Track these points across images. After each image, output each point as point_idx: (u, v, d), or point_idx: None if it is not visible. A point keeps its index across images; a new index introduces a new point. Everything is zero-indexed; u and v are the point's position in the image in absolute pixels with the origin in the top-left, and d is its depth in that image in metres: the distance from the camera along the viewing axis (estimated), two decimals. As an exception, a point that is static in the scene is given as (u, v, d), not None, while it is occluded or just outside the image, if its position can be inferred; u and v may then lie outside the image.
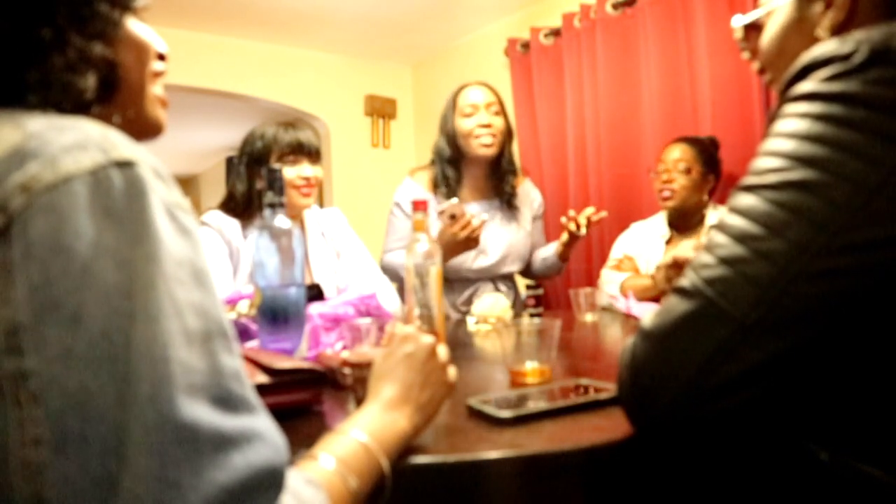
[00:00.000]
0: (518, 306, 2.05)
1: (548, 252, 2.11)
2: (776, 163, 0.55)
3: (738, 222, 0.55)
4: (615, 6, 2.62)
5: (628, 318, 1.70)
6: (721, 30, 2.27)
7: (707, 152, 1.98)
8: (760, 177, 0.55)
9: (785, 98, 0.58)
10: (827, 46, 0.55)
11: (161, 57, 0.61)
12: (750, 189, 0.56)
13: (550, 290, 2.88)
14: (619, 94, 2.62)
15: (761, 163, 0.57)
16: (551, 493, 0.63)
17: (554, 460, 0.63)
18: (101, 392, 0.33)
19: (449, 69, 3.68)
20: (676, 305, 0.57)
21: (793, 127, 0.55)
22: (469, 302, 2.02)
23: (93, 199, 0.34)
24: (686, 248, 1.09)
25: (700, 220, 1.98)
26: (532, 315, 1.89)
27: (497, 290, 2.10)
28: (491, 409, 0.73)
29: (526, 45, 3.06)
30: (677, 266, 1.05)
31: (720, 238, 0.56)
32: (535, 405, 0.75)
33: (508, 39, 3.15)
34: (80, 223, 0.34)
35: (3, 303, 0.32)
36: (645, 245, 2.04)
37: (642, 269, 1.99)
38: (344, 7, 3.10)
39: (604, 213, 1.96)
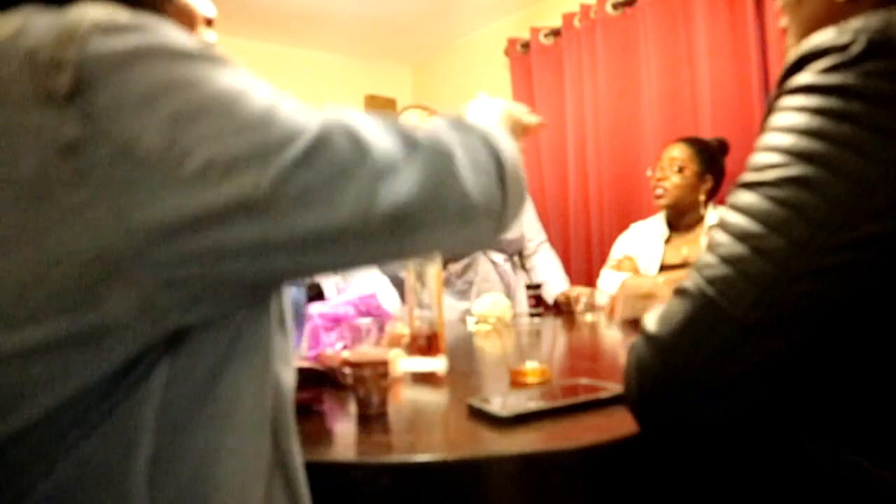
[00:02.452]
0: (513, 285, 2.19)
1: (551, 288, 2.25)
2: (774, 158, 0.54)
3: (738, 220, 0.54)
4: (615, 6, 2.62)
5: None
6: (721, 30, 2.27)
7: (706, 152, 1.98)
8: (759, 173, 0.55)
9: (782, 90, 0.58)
10: (824, 36, 0.54)
11: (209, 22, 0.59)
12: (749, 186, 0.55)
13: (550, 290, 2.88)
14: (619, 94, 2.62)
15: (759, 158, 0.56)
16: (551, 492, 0.63)
17: (554, 460, 0.63)
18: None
19: (449, 69, 3.68)
20: (678, 306, 0.56)
21: (790, 121, 0.54)
22: (464, 272, 2.13)
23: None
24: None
25: (699, 220, 1.98)
26: (532, 315, 1.90)
27: (492, 262, 2.22)
28: (491, 409, 0.73)
29: (526, 45, 3.06)
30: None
31: (721, 237, 0.55)
32: (535, 405, 0.75)
33: (508, 39, 3.15)
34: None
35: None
36: (644, 245, 2.04)
37: (642, 269, 1.99)
38: (344, 7, 3.10)
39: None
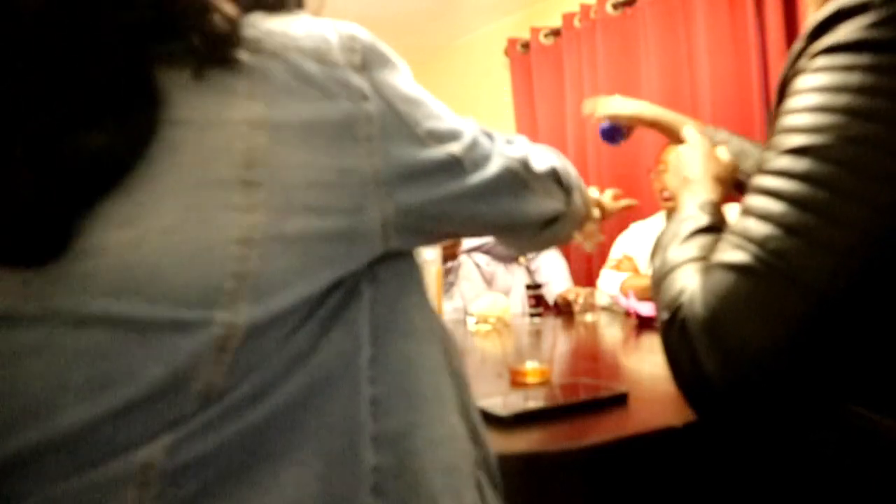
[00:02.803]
0: (499, 286, 2.25)
1: (553, 289, 2.27)
2: (827, 119, 0.50)
3: (798, 188, 0.50)
4: (615, 6, 2.62)
5: (628, 317, 1.70)
6: (721, 30, 2.27)
7: None
8: (810, 136, 0.51)
9: (812, 51, 0.54)
10: None
11: None
12: (801, 152, 0.51)
13: (550, 290, 2.88)
14: (619, 93, 2.62)
15: (802, 120, 0.52)
16: (551, 492, 0.63)
17: (554, 460, 0.63)
18: None
19: (449, 69, 3.68)
20: (737, 283, 0.51)
21: (839, 80, 0.51)
22: (446, 274, 2.20)
23: None
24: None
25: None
26: (532, 315, 1.90)
27: (475, 264, 2.28)
28: (491, 409, 0.73)
29: (526, 45, 3.06)
30: None
31: (775, 205, 0.51)
32: (535, 405, 0.75)
33: (508, 39, 3.15)
34: None
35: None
36: (645, 245, 2.04)
37: (642, 269, 1.99)
38: (344, 7, 3.10)
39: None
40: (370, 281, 0.43)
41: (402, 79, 0.44)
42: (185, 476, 0.33)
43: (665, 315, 0.56)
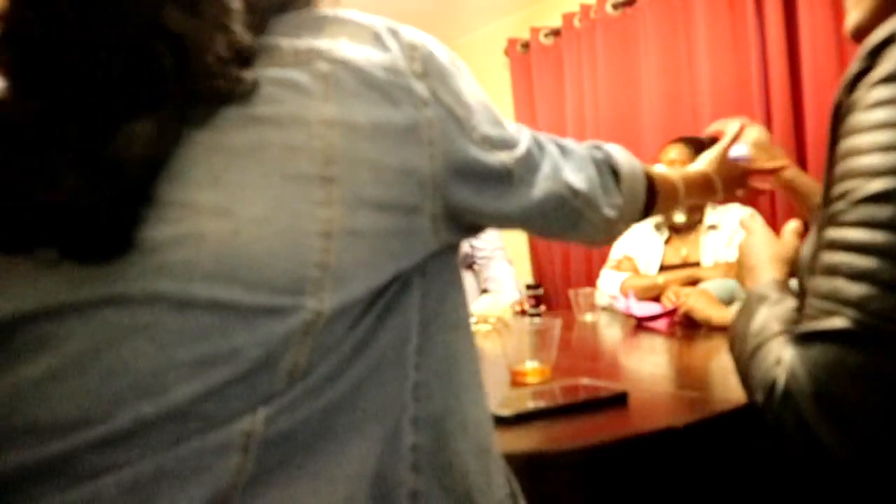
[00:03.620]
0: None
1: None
2: None
3: (887, 238, 0.47)
4: (615, 6, 2.62)
5: (628, 317, 1.70)
6: (721, 30, 2.27)
7: (702, 152, 1.97)
8: (889, 179, 0.47)
9: (874, 79, 0.51)
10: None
11: None
12: (883, 198, 0.47)
13: (550, 290, 2.88)
14: (619, 94, 2.62)
15: (876, 161, 0.48)
16: (551, 492, 0.63)
17: (554, 459, 0.63)
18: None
19: (449, 69, 3.68)
20: (842, 353, 0.48)
21: None
22: None
23: None
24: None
25: (699, 220, 1.98)
26: (532, 315, 1.90)
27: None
28: (491, 409, 0.73)
29: (526, 45, 3.06)
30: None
31: (868, 261, 0.47)
32: (535, 405, 0.76)
33: (508, 39, 3.15)
34: None
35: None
36: (644, 245, 2.04)
37: (641, 269, 1.99)
38: (344, 7, 3.10)
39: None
40: (420, 275, 0.45)
41: (459, 84, 0.47)
42: (276, 445, 0.37)
43: (760, 396, 0.53)
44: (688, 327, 1.45)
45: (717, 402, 0.77)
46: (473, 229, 0.51)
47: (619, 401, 0.78)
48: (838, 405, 0.48)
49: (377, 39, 0.43)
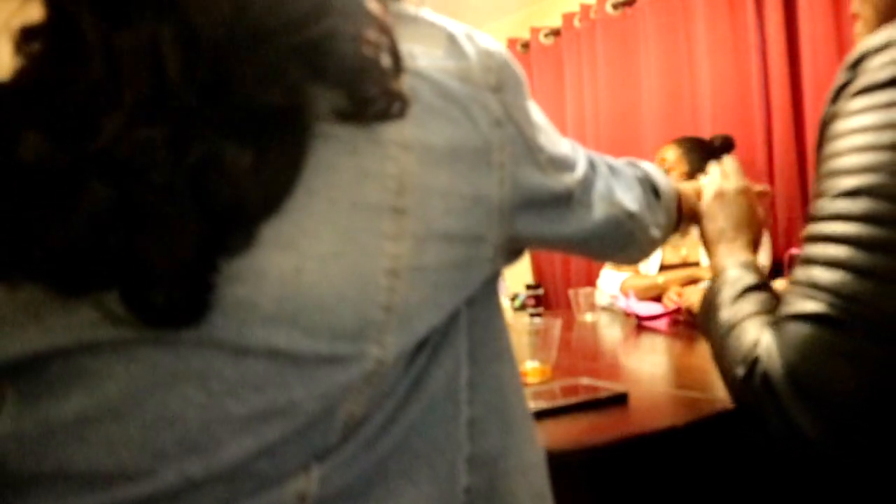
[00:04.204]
0: None
1: None
2: (878, 157, 0.50)
3: (859, 229, 0.50)
4: (615, 6, 2.62)
5: (628, 317, 1.70)
6: (721, 30, 2.27)
7: (697, 152, 1.95)
8: (862, 176, 0.50)
9: (853, 91, 0.54)
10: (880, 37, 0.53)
11: None
12: (856, 193, 0.51)
13: (550, 290, 2.88)
14: (619, 94, 2.62)
15: (852, 161, 0.52)
16: (551, 492, 0.63)
17: (554, 459, 0.63)
18: None
19: (449, 69, 3.68)
20: (816, 333, 0.50)
21: (884, 118, 0.51)
22: None
23: None
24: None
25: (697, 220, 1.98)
26: (532, 315, 1.90)
27: None
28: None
29: (526, 45, 3.06)
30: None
31: (842, 250, 0.50)
32: (535, 405, 0.76)
33: (508, 39, 3.15)
34: None
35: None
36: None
37: (641, 269, 1.99)
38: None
39: None
40: (468, 303, 0.42)
41: (527, 100, 0.43)
42: (330, 502, 0.34)
43: (741, 371, 0.55)
44: (688, 327, 1.45)
45: (717, 402, 0.77)
46: (519, 253, 0.48)
47: (619, 401, 0.78)
48: (810, 384, 0.49)
49: (453, 44, 0.39)
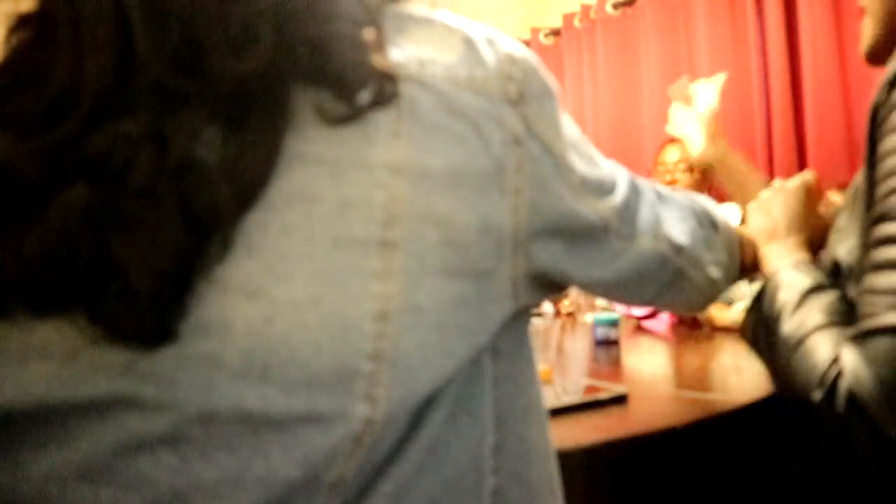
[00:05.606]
0: None
1: None
2: None
3: None
4: (615, 6, 2.62)
5: (628, 318, 1.70)
6: (721, 30, 2.27)
7: None
8: None
9: None
10: None
11: None
12: None
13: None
14: (620, 94, 2.62)
15: None
16: None
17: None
18: None
19: (449, 69, 3.68)
20: None
21: None
22: None
23: None
24: None
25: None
26: (532, 315, 1.90)
27: None
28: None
29: (526, 45, 3.06)
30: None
31: None
32: (535, 405, 0.75)
33: (508, 39, 3.15)
34: None
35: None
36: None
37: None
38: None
39: None
40: (493, 356, 0.38)
41: (557, 112, 0.38)
42: None
43: (818, 394, 0.51)
44: (688, 327, 1.45)
45: (717, 402, 0.77)
46: (559, 287, 0.42)
47: (619, 401, 0.78)
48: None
49: (470, 50, 0.34)
